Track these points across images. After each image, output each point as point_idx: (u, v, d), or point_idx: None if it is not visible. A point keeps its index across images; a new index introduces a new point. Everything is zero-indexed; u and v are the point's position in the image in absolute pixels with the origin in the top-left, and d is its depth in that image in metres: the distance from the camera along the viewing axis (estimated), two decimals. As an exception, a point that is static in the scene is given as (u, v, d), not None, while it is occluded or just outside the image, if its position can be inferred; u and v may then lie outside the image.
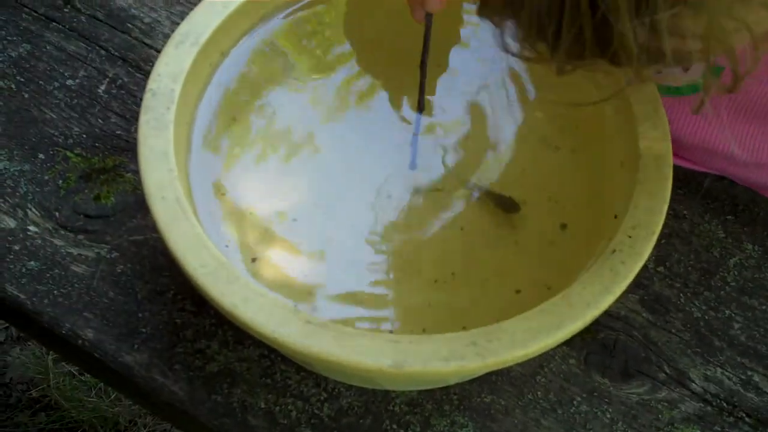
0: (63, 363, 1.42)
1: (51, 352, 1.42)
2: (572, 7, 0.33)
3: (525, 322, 0.46)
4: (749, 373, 0.60)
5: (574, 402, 0.57)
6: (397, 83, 0.63)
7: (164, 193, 0.48)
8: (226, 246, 0.54)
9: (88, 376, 1.41)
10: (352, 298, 0.54)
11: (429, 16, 0.57)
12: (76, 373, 1.40)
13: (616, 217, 0.54)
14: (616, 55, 0.35)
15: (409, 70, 0.61)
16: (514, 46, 0.41)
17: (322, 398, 0.56)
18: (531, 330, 0.45)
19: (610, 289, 0.47)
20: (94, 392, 1.39)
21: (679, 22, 0.34)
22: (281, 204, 0.57)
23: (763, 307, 0.62)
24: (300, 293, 0.53)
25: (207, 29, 0.56)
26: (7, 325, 1.44)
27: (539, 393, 0.58)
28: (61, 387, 1.37)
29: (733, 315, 0.62)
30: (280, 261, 0.55)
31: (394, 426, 0.55)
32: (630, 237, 0.50)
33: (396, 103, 0.62)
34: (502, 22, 0.40)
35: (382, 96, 0.63)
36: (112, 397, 1.39)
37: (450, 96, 0.63)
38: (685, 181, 0.68)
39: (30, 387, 1.40)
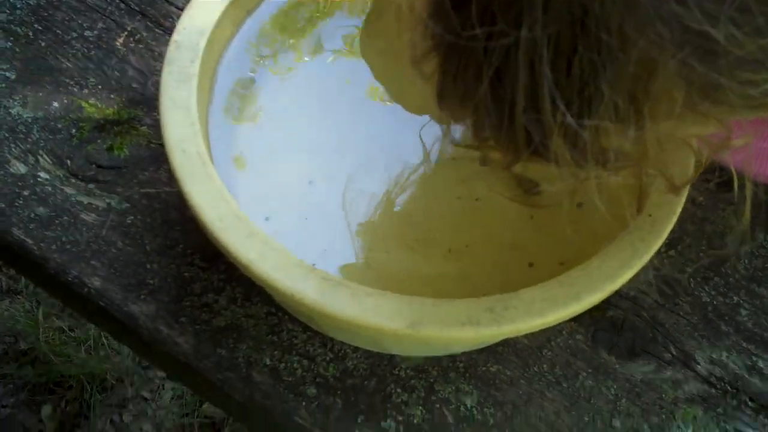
0: (53, 317, 1.42)
1: (41, 307, 1.41)
2: (510, 110, 0.33)
3: (543, 291, 0.46)
4: (754, 358, 0.60)
5: (580, 376, 0.57)
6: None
7: (185, 146, 0.47)
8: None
9: (78, 332, 1.41)
10: (363, 264, 0.54)
11: None
12: (66, 329, 1.40)
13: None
14: (546, 156, 0.35)
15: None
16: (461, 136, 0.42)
17: (327, 358, 0.56)
18: (548, 299, 0.45)
19: (629, 264, 0.47)
20: (83, 348, 1.39)
21: (608, 137, 0.33)
22: (297, 166, 0.57)
23: (771, 295, 0.63)
24: (311, 256, 0.53)
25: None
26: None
27: (545, 366, 0.58)
28: (50, 341, 1.37)
29: (741, 302, 0.62)
30: (294, 222, 0.55)
31: (399, 390, 0.55)
32: (650, 216, 0.50)
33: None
34: (456, 119, 0.40)
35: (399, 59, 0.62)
36: (101, 354, 1.39)
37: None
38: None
39: (18, 339, 1.39)
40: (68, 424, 1.34)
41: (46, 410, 1.34)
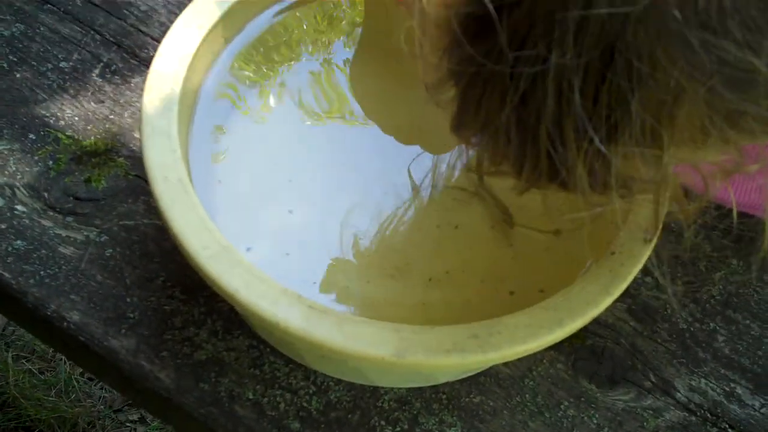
0: (23, 360, 1.39)
1: (10, 350, 1.39)
2: (534, 136, 0.33)
3: (526, 317, 0.46)
4: (732, 385, 0.60)
5: (562, 406, 0.57)
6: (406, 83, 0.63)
7: (167, 173, 0.47)
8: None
9: (49, 375, 1.38)
10: (344, 294, 0.54)
11: None
12: (36, 372, 1.38)
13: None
14: (566, 182, 0.35)
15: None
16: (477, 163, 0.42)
17: (310, 391, 0.55)
18: (532, 325, 0.46)
19: (609, 290, 0.48)
20: (53, 391, 1.36)
21: (628, 163, 0.34)
22: (277, 195, 0.57)
23: (747, 322, 0.63)
24: (292, 286, 0.53)
25: (213, 15, 0.55)
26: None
27: (527, 396, 0.58)
28: (20, 384, 1.34)
29: (717, 328, 0.63)
30: (274, 252, 0.55)
31: (383, 422, 0.55)
32: (630, 240, 0.50)
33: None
34: (473, 144, 0.41)
35: (386, 91, 0.63)
36: (72, 397, 1.36)
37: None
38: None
39: (-13, 383, 1.36)
40: (38, 471, 1.31)
41: (15, 456, 1.31)
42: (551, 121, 0.32)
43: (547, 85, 0.31)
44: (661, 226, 0.45)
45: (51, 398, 1.35)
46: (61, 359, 1.40)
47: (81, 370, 1.40)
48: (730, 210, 0.45)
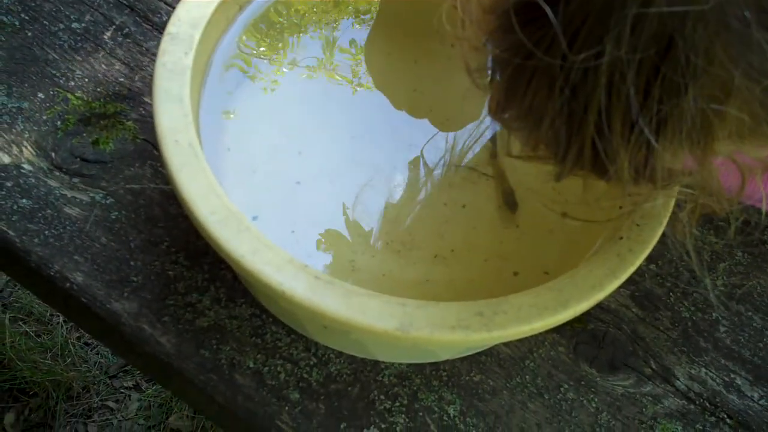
0: (20, 322, 1.39)
1: (8, 312, 1.39)
2: (580, 125, 0.33)
3: (532, 297, 0.46)
4: (732, 375, 0.60)
5: (561, 389, 0.57)
6: (412, 58, 0.63)
7: (177, 136, 0.47)
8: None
9: (46, 338, 1.38)
10: (349, 267, 0.54)
11: None
12: (32, 334, 1.38)
13: (621, 207, 0.54)
14: (608, 172, 0.35)
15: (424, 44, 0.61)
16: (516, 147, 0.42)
17: (311, 363, 0.55)
18: (537, 306, 0.45)
19: (616, 273, 0.48)
20: (49, 354, 1.36)
21: (673, 155, 0.34)
22: (286, 166, 0.57)
23: (749, 313, 0.63)
24: (297, 256, 0.53)
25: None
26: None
27: (527, 377, 0.57)
28: (16, 346, 1.34)
29: (720, 318, 0.63)
30: (280, 222, 0.55)
31: (382, 397, 0.55)
32: (638, 225, 0.50)
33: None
34: (515, 130, 0.40)
35: (399, 69, 0.63)
36: (68, 361, 1.37)
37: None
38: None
39: (-17, 344, 1.36)
40: (31, 433, 1.31)
41: (9, 418, 1.31)
42: (600, 112, 0.32)
43: (600, 78, 0.31)
44: (698, 218, 0.45)
45: (47, 361, 1.35)
46: (58, 322, 1.40)
47: (78, 334, 1.40)
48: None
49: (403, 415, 0.54)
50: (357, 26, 0.64)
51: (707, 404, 0.59)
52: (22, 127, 0.60)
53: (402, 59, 0.63)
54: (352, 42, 0.63)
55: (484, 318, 0.44)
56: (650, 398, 0.58)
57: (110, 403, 1.37)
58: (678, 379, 0.59)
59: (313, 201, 0.56)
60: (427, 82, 0.62)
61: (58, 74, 0.63)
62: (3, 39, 0.64)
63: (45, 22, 0.65)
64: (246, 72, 0.59)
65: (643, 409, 0.58)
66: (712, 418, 0.58)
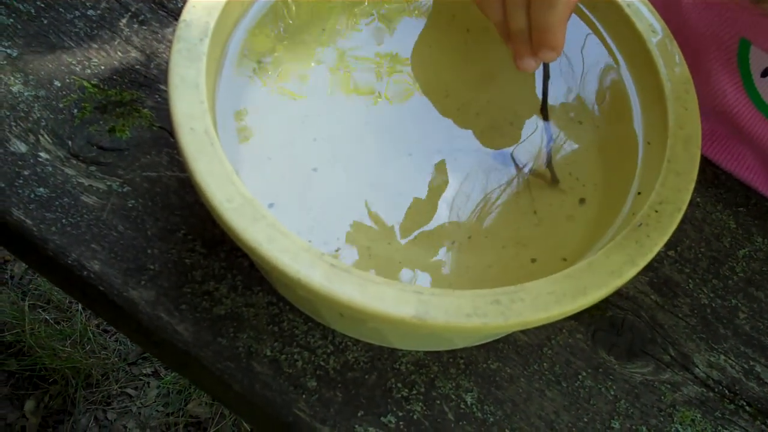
0: (39, 309, 1.40)
1: (27, 299, 1.40)
2: None
3: (550, 285, 0.45)
4: (752, 363, 0.60)
5: (579, 376, 0.57)
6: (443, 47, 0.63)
7: (193, 124, 0.47)
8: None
9: (65, 325, 1.39)
10: (365, 254, 0.54)
11: (546, 66, 0.58)
12: (52, 321, 1.39)
13: (639, 193, 0.54)
14: None
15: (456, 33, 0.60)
16: None
17: (328, 351, 0.55)
18: (555, 293, 0.45)
19: (635, 260, 0.47)
20: (69, 342, 1.37)
21: None
22: (302, 153, 0.56)
23: (770, 300, 0.63)
24: (313, 244, 0.53)
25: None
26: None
27: (545, 364, 0.57)
28: (36, 333, 1.36)
29: (739, 305, 0.62)
30: (297, 209, 0.54)
31: (399, 385, 0.55)
32: (656, 212, 0.50)
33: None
34: None
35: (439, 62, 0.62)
36: (87, 348, 1.38)
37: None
38: (700, 170, 0.67)
39: (4, 330, 1.37)
40: (51, 420, 1.32)
41: (30, 405, 1.33)
42: None
43: None
44: None
45: (66, 348, 1.36)
46: (77, 309, 1.41)
47: (96, 321, 1.41)
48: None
49: (420, 403, 0.54)
50: (376, 12, 0.63)
51: (726, 392, 0.58)
52: (38, 116, 0.60)
53: (445, 54, 0.63)
54: (371, 26, 0.62)
55: (501, 306, 0.44)
56: (669, 386, 0.58)
57: (129, 390, 1.38)
58: (697, 367, 0.59)
59: (330, 188, 0.55)
60: (467, 82, 0.62)
61: (74, 62, 0.63)
62: (19, 27, 0.64)
63: (60, 9, 0.65)
64: (262, 59, 0.58)
65: (662, 397, 0.57)
66: (732, 406, 0.58)
